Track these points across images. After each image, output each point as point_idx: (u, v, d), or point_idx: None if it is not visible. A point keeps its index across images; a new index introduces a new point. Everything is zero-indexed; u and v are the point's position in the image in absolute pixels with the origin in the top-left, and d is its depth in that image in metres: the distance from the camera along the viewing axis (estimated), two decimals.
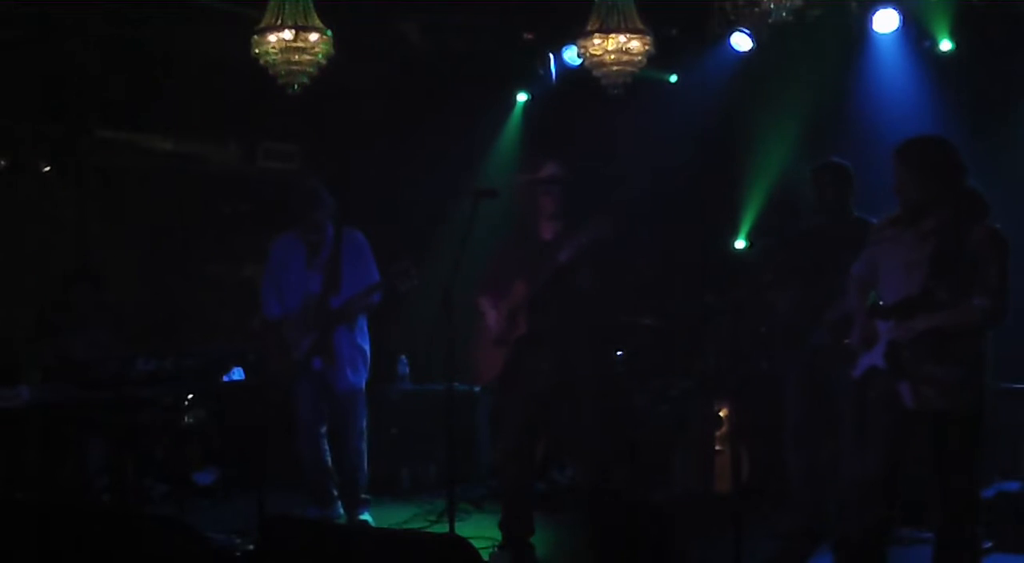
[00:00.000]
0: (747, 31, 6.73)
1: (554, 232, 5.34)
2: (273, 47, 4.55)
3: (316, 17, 4.60)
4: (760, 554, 5.17)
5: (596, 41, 4.65)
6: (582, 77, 5.21)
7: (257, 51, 4.58)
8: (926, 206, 4.32)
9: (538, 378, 5.24)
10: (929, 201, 4.31)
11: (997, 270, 4.22)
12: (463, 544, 3.19)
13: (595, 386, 5.42)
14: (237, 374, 7.53)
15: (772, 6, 4.21)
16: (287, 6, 4.54)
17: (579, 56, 4.81)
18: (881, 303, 4.54)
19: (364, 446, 6.16)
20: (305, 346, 5.98)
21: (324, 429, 6.16)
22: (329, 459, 6.15)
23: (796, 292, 5.61)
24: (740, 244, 7.37)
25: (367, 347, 6.15)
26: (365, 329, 6.16)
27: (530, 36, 7.49)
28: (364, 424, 6.17)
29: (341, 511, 6.14)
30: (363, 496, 6.17)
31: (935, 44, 6.47)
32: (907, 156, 4.36)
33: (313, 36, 4.56)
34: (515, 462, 5.40)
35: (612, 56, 4.66)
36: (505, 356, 5.27)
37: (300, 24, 4.54)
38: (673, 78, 7.57)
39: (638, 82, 4.75)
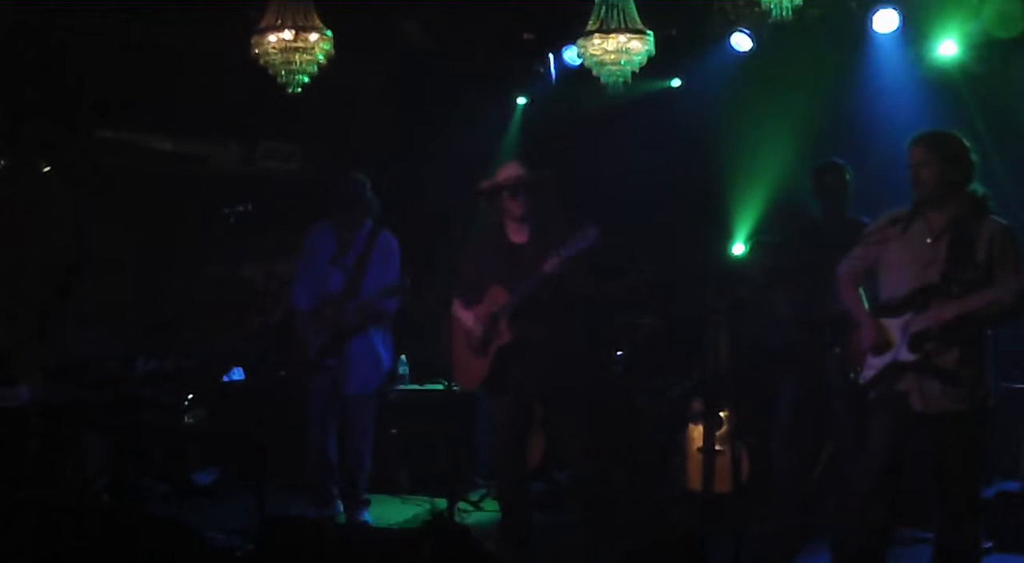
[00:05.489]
0: (747, 31, 6.73)
1: (526, 235, 5.27)
2: (273, 47, 4.54)
3: (316, 17, 4.60)
4: (748, 554, 5.17)
5: (596, 41, 4.65)
6: (582, 77, 5.21)
7: (257, 51, 4.58)
8: (939, 199, 4.36)
9: (526, 384, 5.20)
10: (944, 193, 4.35)
11: (1014, 257, 4.28)
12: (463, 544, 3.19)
13: (591, 390, 5.40)
14: (237, 374, 7.54)
15: (772, 6, 4.19)
16: (287, 6, 4.54)
17: (579, 56, 4.81)
18: (883, 301, 4.53)
19: (368, 448, 6.16)
20: (317, 346, 5.97)
21: (333, 427, 6.15)
22: (335, 458, 6.15)
23: (792, 292, 5.61)
24: (739, 245, 7.36)
25: (384, 351, 6.12)
26: (385, 331, 6.12)
27: (530, 36, 7.48)
28: (371, 427, 6.17)
29: (341, 511, 6.14)
30: (363, 496, 6.17)
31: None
32: (933, 143, 4.40)
33: (313, 36, 4.56)
34: (509, 464, 5.39)
35: (612, 56, 4.65)
36: (489, 363, 5.20)
37: (300, 24, 4.54)
38: (676, 82, 7.57)
39: (641, 91, 4.74)
